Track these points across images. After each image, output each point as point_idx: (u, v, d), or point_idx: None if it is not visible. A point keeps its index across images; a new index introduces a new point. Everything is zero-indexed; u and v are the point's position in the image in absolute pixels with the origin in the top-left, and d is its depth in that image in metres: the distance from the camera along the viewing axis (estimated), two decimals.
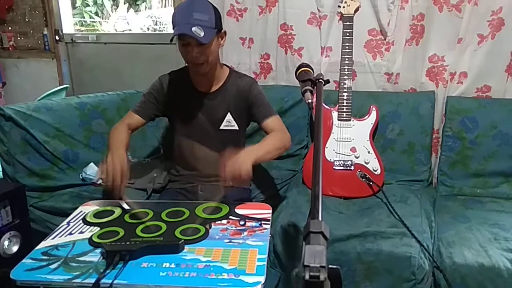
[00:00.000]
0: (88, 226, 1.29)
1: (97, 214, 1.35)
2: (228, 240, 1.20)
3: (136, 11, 4.66)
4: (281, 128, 1.64)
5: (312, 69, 1.37)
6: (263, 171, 2.10)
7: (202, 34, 1.45)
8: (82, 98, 2.06)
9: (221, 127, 1.68)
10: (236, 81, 1.69)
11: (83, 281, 1.03)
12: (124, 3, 4.58)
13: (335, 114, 1.98)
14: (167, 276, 1.04)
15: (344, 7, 2.00)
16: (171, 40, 1.49)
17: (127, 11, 4.64)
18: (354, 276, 1.52)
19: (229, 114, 1.67)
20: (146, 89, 1.72)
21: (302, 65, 1.38)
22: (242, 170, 1.30)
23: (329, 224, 0.66)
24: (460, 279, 1.43)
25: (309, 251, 0.60)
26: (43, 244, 1.19)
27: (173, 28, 1.51)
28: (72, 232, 1.26)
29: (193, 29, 1.44)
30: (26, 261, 1.11)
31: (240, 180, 1.33)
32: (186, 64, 1.66)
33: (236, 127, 1.69)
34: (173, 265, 1.08)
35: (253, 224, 1.29)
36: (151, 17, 4.58)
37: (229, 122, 1.68)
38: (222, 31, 1.59)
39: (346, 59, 1.96)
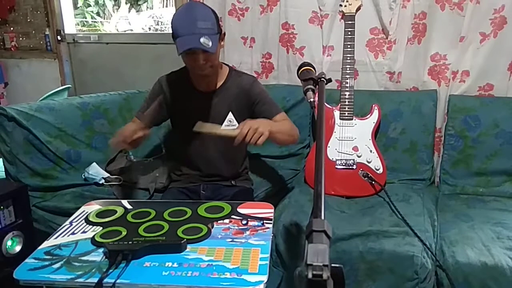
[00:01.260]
0: (90, 226, 1.29)
1: (99, 214, 1.35)
2: (230, 240, 1.20)
3: (137, 11, 4.66)
4: (290, 121, 1.68)
5: (314, 68, 1.37)
6: (265, 170, 2.10)
7: (210, 44, 1.44)
8: (84, 98, 2.07)
9: (222, 127, 1.67)
10: (237, 80, 1.69)
11: (86, 281, 1.03)
12: (126, 3, 4.58)
13: (337, 113, 1.98)
14: (170, 275, 1.04)
15: (345, 6, 2.00)
16: (179, 54, 1.47)
17: (129, 11, 4.65)
18: (357, 275, 1.52)
19: (230, 113, 1.67)
20: (147, 92, 1.72)
21: (304, 64, 1.38)
22: (261, 131, 1.35)
23: (331, 223, 0.66)
24: (462, 278, 1.43)
25: (311, 250, 0.60)
26: (45, 244, 1.20)
27: (176, 39, 1.49)
28: (75, 232, 1.26)
29: (202, 40, 1.42)
30: (29, 260, 1.12)
31: (255, 138, 1.36)
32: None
33: (237, 127, 1.68)
34: (175, 265, 1.08)
35: (256, 223, 1.29)
36: (153, 17, 4.58)
37: (230, 122, 1.68)
38: (222, 32, 1.58)
39: (348, 58, 1.96)
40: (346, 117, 1.96)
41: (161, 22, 4.42)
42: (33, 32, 3.10)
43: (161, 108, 1.69)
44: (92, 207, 1.41)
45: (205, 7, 1.54)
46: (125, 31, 4.35)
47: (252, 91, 1.67)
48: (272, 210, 1.37)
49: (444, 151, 2.05)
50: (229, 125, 1.68)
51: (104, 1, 4.55)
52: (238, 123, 1.68)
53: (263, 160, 2.17)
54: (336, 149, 1.95)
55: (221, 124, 1.67)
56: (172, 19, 1.52)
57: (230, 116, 1.68)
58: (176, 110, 1.71)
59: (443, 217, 1.73)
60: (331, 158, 1.94)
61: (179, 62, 1.78)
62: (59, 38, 3.03)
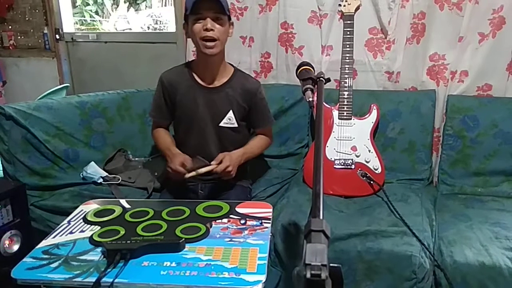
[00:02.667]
0: (88, 225, 1.29)
1: (97, 213, 1.35)
2: (228, 239, 1.20)
3: (136, 10, 4.65)
4: (269, 135, 1.83)
5: (313, 68, 1.37)
6: (263, 170, 2.10)
7: (223, 4, 1.51)
8: (83, 97, 2.06)
9: (221, 124, 1.69)
10: (242, 80, 1.71)
11: (84, 280, 1.03)
12: (124, 2, 4.56)
13: (335, 113, 1.98)
14: (168, 275, 1.04)
15: (344, 5, 2.00)
16: (186, 11, 1.54)
17: (127, 10, 4.63)
18: (355, 275, 1.52)
19: (231, 111, 1.68)
20: (146, 91, 1.74)
21: (302, 64, 1.38)
22: (229, 170, 1.54)
23: (329, 223, 0.66)
24: (461, 278, 1.43)
25: (310, 250, 0.60)
26: (43, 243, 1.20)
27: (187, 9, 1.54)
28: (73, 231, 1.26)
29: None
30: (27, 260, 1.12)
31: (224, 176, 1.57)
32: (189, 60, 1.67)
33: (235, 125, 1.70)
34: (174, 264, 1.08)
35: (254, 223, 1.29)
36: (151, 16, 4.56)
37: (229, 120, 1.69)
38: (230, 21, 1.62)
39: (347, 58, 1.96)
40: (345, 117, 1.96)
41: (160, 21, 4.41)
42: (32, 30, 3.09)
43: (167, 103, 1.73)
44: (90, 206, 1.41)
45: None
46: (123, 30, 4.34)
47: (256, 97, 1.71)
48: (271, 210, 1.38)
49: (443, 151, 2.05)
50: (228, 123, 1.69)
51: (102, 0, 4.54)
52: (237, 122, 1.70)
53: (262, 159, 2.16)
54: (334, 148, 1.95)
55: (220, 121, 1.68)
56: None
57: (230, 114, 1.69)
58: (178, 104, 1.71)
59: (441, 217, 1.73)
60: (329, 158, 1.94)
61: (178, 61, 1.78)
62: (57, 36, 3.02)
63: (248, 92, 1.69)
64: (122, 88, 2.22)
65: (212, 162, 1.57)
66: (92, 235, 1.21)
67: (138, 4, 4.65)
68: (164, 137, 1.74)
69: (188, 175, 1.53)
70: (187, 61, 1.67)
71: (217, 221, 1.30)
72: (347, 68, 1.96)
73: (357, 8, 2.01)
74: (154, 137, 1.79)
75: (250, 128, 1.82)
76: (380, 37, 2.16)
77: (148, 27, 4.39)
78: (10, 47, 3.15)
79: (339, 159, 1.94)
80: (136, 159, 2.08)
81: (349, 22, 1.97)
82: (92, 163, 1.96)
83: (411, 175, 2.04)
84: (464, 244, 1.50)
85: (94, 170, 1.93)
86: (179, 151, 1.63)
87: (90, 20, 4.45)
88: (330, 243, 0.63)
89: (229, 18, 1.61)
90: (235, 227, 1.26)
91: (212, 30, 1.53)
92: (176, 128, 1.78)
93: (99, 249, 1.14)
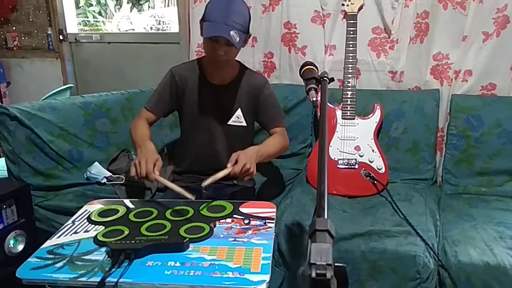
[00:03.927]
0: (93, 225, 1.29)
1: (101, 213, 1.36)
2: (232, 239, 1.20)
3: (139, 11, 4.66)
4: (285, 134, 1.72)
5: (316, 68, 1.37)
6: (267, 170, 2.10)
7: (237, 39, 1.45)
8: (86, 98, 2.07)
9: (229, 122, 1.69)
10: (249, 77, 1.71)
11: (89, 280, 1.03)
12: (127, 2, 4.58)
13: (339, 113, 1.98)
14: (172, 274, 1.04)
15: (348, 5, 2.00)
16: (202, 34, 1.50)
17: (130, 10, 4.65)
18: (359, 275, 1.52)
19: (239, 110, 1.69)
20: (158, 84, 1.72)
21: (306, 64, 1.38)
22: (248, 168, 1.40)
23: (333, 223, 0.66)
24: (465, 278, 1.43)
25: (315, 249, 0.60)
26: (48, 243, 1.20)
27: (205, 21, 1.50)
28: (77, 231, 1.26)
29: (231, 33, 1.44)
30: (32, 260, 1.12)
31: (243, 177, 1.43)
32: (197, 57, 1.69)
33: (244, 124, 1.70)
34: (178, 264, 1.08)
35: (258, 222, 1.29)
36: (154, 17, 4.58)
37: (238, 118, 1.69)
38: (249, 34, 1.58)
39: (350, 58, 1.96)
40: (348, 117, 1.96)
41: (163, 21, 4.42)
42: (35, 31, 3.10)
43: (172, 97, 1.69)
44: (94, 206, 1.42)
45: (244, 4, 1.55)
46: (127, 30, 4.35)
47: (263, 93, 1.70)
48: (274, 210, 1.37)
49: (447, 151, 2.05)
50: (236, 121, 1.69)
51: (106, 1, 4.55)
52: (245, 119, 1.70)
53: None
54: (338, 148, 1.95)
55: (228, 119, 1.69)
56: (209, 2, 1.54)
57: (239, 112, 1.69)
58: (186, 100, 1.70)
59: (445, 217, 1.72)
60: (333, 158, 1.94)
61: (181, 61, 1.78)
62: (61, 37, 3.03)
63: (255, 88, 1.69)
64: (126, 88, 2.22)
65: (227, 165, 1.41)
66: (96, 235, 1.21)
67: (141, 4, 4.66)
68: (144, 129, 1.61)
69: (205, 183, 1.37)
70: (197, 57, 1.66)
71: (221, 221, 1.30)
72: (350, 68, 1.96)
73: (360, 8, 2.01)
74: (133, 124, 1.63)
75: (262, 128, 1.80)
76: (384, 36, 2.15)
77: (151, 28, 4.40)
78: (14, 48, 3.16)
79: (343, 159, 1.93)
80: None
81: (352, 21, 1.97)
82: (96, 163, 1.97)
83: (415, 175, 2.03)
84: (468, 244, 1.50)
85: (98, 170, 1.94)
86: (154, 148, 1.48)
87: (94, 21, 4.46)
88: (334, 243, 0.63)
89: (248, 32, 1.56)
90: (238, 227, 1.26)
91: (223, 53, 1.51)
92: (182, 125, 1.77)
93: (103, 249, 1.15)
